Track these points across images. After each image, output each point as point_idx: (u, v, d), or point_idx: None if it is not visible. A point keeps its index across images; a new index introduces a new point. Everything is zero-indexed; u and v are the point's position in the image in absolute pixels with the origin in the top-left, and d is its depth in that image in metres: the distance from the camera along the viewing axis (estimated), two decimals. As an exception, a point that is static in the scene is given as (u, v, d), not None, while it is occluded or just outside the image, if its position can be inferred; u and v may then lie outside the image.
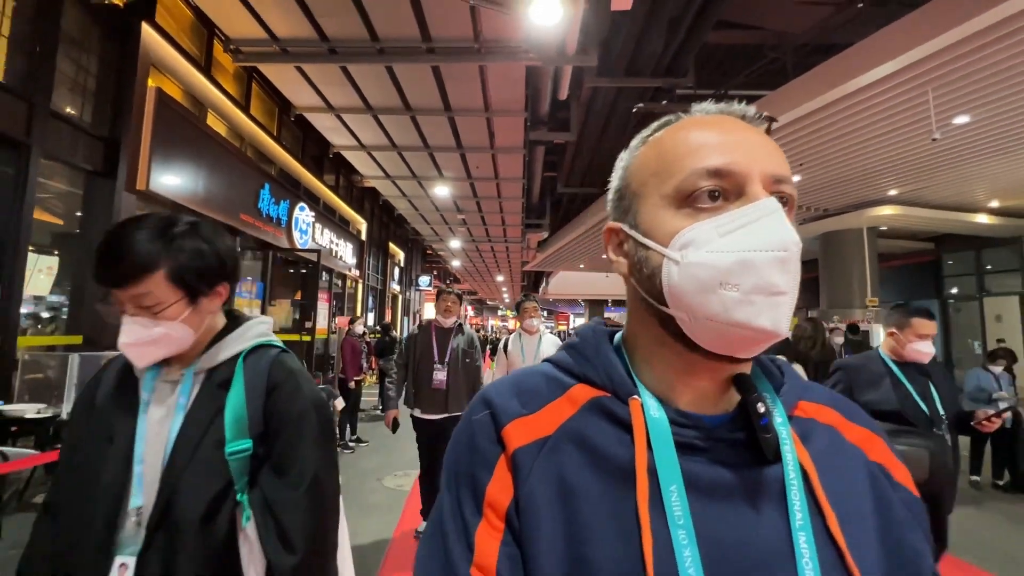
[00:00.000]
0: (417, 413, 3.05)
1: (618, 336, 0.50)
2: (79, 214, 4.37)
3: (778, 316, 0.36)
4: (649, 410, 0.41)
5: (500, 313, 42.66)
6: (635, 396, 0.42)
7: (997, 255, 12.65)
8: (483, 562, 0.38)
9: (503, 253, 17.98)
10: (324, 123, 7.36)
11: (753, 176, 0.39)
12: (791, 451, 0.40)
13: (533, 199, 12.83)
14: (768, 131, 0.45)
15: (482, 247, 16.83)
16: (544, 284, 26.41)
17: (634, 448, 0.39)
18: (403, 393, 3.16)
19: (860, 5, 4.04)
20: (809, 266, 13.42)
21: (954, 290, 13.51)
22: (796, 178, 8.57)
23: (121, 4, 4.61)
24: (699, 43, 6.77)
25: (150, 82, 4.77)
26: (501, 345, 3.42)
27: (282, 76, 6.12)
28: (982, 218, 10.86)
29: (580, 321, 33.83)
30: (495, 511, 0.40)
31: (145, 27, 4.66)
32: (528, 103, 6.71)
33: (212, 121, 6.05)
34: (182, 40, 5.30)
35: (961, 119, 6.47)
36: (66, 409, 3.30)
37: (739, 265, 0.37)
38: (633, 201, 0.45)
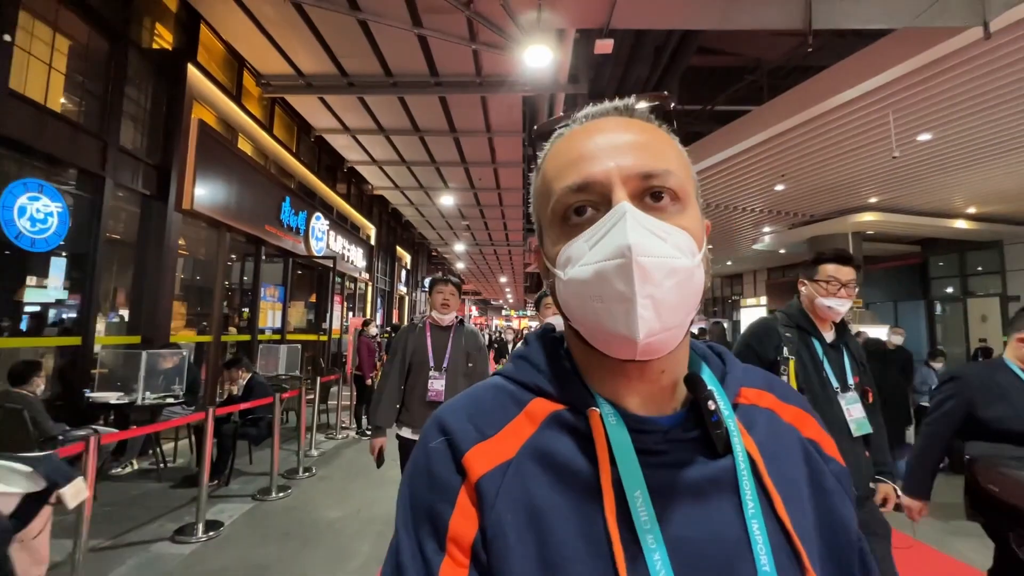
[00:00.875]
0: (407, 433, 2.44)
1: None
2: (137, 231, 5.06)
3: (631, 322, 0.37)
4: (607, 418, 0.41)
5: (504, 313, 43.33)
6: (593, 408, 0.41)
7: (980, 258, 13.15)
8: None
9: (506, 255, 18.58)
10: (340, 142, 8.05)
11: (613, 182, 0.39)
12: (740, 442, 0.42)
13: (534, 205, 13.47)
14: (671, 115, 0.44)
15: (485, 250, 17.46)
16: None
17: (597, 460, 0.39)
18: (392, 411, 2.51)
19: (810, 50, 4.63)
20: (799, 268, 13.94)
21: (949, 289, 13.97)
22: (779, 187, 9.24)
23: (170, 48, 5.32)
24: (682, 67, 7.41)
25: (192, 114, 5.46)
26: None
27: (304, 103, 6.82)
28: (961, 223, 11.36)
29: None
30: (459, 546, 0.38)
31: (189, 66, 5.35)
32: (526, 123, 7.37)
33: (241, 143, 6.75)
34: (217, 74, 5.99)
35: (924, 136, 7.05)
36: (140, 397, 4.00)
37: (596, 277, 0.38)
38: (538, 225, 0.47)
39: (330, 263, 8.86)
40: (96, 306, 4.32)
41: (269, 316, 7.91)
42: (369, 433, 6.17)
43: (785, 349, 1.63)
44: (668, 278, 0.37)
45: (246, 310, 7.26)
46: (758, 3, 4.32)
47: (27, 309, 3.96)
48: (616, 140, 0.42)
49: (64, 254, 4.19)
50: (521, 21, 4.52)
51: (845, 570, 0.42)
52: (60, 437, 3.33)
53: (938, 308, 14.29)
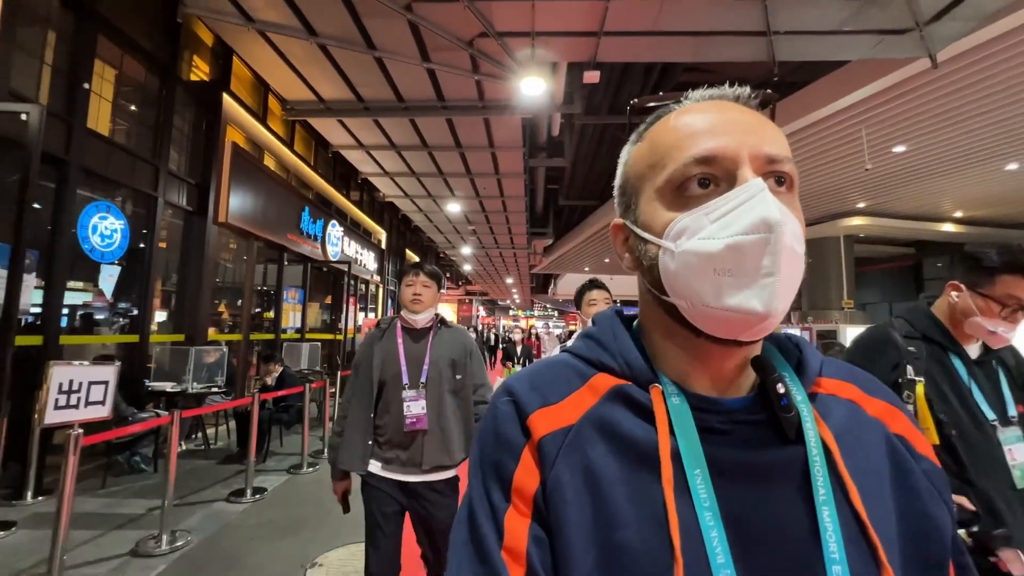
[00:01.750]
0: (376, 468, 1.84)
1: (636, 323, 0.50)
2: (180, 243, 5.75)
3: (769, 297, 0.36)
4: (669, 396, 0.42)
5: (512, 313, 43.95)
6: (655, 384, 0.42)
7: (972, 260, 13.45)
8: (513, 544, 0.39)
9: (511, 257, 19.15)
10: (354, 156, 8.72)
11: (742, 159, 0.39)
12: (813, 428, 0.40)
13: (537, 210, 14.08)
14: (773, 110, 0.45)
15: (491, 253, 18.06)
16: (552, 285, 27.59)
17: (657, 434, 0.40)
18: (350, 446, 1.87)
19: (775, 79, 5.16)
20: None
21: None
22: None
23: (207, 79, 6.00)
24: (671, 84, 7.95)
25: (226, 137, 6.13)
26: (557, 353, 2.48)
27: (323, 124, 7.49)
28: (948, 227, 11.75)
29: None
30: (522, 498, 0.41)
31: (224, 95, 6.02)
32: (526, 138, 7.97)
33: (266, 159, 7.42)
34: (246, 98, 6.66)
35: (899, 148, 7.55)
36: (189, 386, 4.67)
37: (728, 250, 0.37)
38: (632, 196, 0.46)
39: (345, 267, 9.53)
40: (151, 309, 5.00)
41: (290, 317, 8.60)
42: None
43: (909, 368, 1.23)
44: (794, 262, 0.38)
45: (261, 310, 7.96)
46: (726, 40, 4.88)
47: (94, 312, 4.64)
48: (742, 119, 0.42)
49: (124, 264, 4.86)
50: (517, 56, 5.12)
51: None
52: (129, 417, 4.00)
53: (932, 309, 14.61)
